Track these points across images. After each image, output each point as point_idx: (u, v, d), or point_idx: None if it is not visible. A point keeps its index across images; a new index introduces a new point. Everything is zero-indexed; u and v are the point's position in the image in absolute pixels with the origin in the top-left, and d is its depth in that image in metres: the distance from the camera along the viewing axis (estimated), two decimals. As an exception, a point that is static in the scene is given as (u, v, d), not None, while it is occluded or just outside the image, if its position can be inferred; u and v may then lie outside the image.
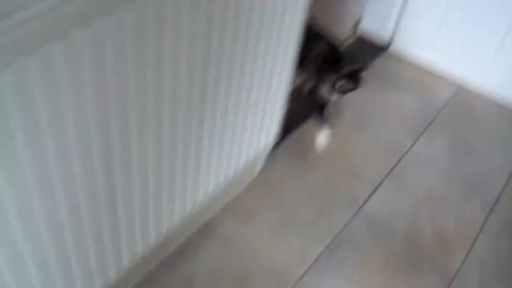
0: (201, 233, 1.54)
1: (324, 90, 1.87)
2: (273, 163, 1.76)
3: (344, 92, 1.86)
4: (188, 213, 1.38)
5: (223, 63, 1.17)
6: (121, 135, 1.00)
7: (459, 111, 2.13)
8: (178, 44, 1.01)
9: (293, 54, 1.47)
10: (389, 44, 2.38)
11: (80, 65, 0.82)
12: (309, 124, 1.91)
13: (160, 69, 1.00)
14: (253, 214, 1.62)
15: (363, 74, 1.83)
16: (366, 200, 1.72)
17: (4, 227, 0.85)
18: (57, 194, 0.92)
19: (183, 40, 1.02)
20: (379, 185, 1.78)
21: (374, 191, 1.75)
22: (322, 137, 1.88)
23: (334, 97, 1.88)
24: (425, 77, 2.28)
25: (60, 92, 0.82)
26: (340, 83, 1.83)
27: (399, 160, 1.88)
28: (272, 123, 1.58)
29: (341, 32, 2.22)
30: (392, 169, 1.84)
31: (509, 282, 1.55)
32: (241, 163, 1.50)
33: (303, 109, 1.91)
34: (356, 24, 2.35)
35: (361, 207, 1.70)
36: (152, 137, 1.10)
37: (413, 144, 1.96)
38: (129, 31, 0.88)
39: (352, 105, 2.00)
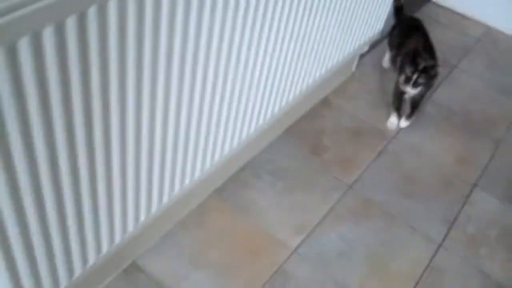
0: (321, 105, 2.18)
1: (401, 80, 2.03)
2: (361, 67, 2.40)
3: (416, 85, 1.99)
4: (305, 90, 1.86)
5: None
6: None
7: (489, 45, 2.82)
8: None
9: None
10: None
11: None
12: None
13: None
14: (355, 96, 2.27)
15: (438, 71, 2.00)
16: (434, 91, 2.38)
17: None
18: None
19: None
20: (437, 87, 2.43)
21: (436, 88, 2.41)
22: (391, 120, 2.14)
23: (408, 89, 2.02)
24: (460, 20, 2.96)
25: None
26: (414, 77, 1.96)
27: (449, 73, 2.54)
28: (378, 19, 2.11)
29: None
30: (445, 77, 2.50)
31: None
32: (351, 50, 2.01)
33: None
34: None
35: (432, 97, 2.34)
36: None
37: (458, 63, 2.64)
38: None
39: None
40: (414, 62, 1.98)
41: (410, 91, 2.04)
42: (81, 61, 0.84)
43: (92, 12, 0.80)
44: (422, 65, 1.97)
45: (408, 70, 1.98)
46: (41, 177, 0.91)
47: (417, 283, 1.64)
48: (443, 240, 1.79)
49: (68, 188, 0.99)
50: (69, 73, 0.83)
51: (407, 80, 1.99)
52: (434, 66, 1.99)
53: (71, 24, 0.77)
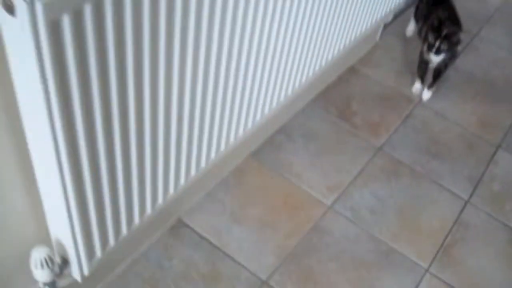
0: (348, 73, 2.26)
1: (424, 48, 2.10)
2: (385, 36, 2.48)
3: (439, 52, 2.05)
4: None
5: None
6: None
7: (509, 13, 2.88)
8: None
9: None
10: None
11: None
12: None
13: None
14: (381, 64, 2.35)
15: (460, 38, 2.05)
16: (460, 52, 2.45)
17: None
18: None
19: None
20: (459, 54, 2.50)
21: (459, 56, 2.47)
22: (416, 87, 2.23)
23: (431, 56, 2.08)
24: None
25: None
26: (436, 43, 2.02)
27: (471, 40, 2.61)
28: None
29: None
30: (466, 45, 2.56)
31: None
32: (375, 19, 2.06)
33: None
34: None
35: (455, 64, 2.41)
36: None
37: (479, 32, 2.70)
38: None
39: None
40: (437, 29, 2.05)
41: (434, 58, 2.11)
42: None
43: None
44: (444, 31, 2.04)
45: (431, 37, 2.05)
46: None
47: (446, 237, 1.74)
48: (470, 197, 1.88)
49: (119, 149, 1.06)
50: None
51: (430, 47, 2.06)
52: (456, 33, 2.06)
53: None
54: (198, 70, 1.15)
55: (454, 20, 2.14)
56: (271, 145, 1.88)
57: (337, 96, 2.13)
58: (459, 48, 2.13)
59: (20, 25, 0.74)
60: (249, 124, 1.53)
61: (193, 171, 1.38)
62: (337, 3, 1.63)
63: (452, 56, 2.14)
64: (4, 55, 0.83)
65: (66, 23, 0.76)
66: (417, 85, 2.22)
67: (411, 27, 2.47)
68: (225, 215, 1.66)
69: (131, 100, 0.98)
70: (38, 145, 0.94)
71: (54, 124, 0.85)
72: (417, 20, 2.37)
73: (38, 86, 0.80)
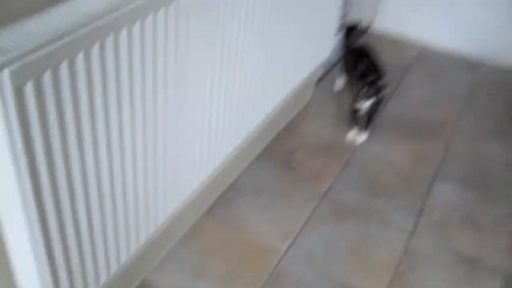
0: (288, 128, 2.43)
1: (353, 97, 2.30)
2: (318, 92, 2.66)
3: (367, 97, 2.24)
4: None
5: None
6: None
7: (426, 60, 3.13)
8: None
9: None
10: (368, 27, 3.35)
11: None
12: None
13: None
14: (317, 117, 2.52)
15: (383, 83, 2.25)
16: (385, 105, 2.64)
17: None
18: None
19: None
20: (387, 101, 2.70)
21: (386, 103, 2.68)
22: (351, 134, 2.38)
23: (361, 104, 2.27)
24: (397, 43, 3.27)
25: None
26: (362, 91, 2.22)
27: (396, 88, 2.82)
28: (327, 44, 2.39)
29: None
30: (392, 92, 2.77)
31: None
32: (303, 77, 2.26)
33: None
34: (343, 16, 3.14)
35: (384, 110, 2.61)
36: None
37: (402, 79, 2.93)
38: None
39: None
40: (362, 77, 2.26)
41: (363, 104, 2.29)
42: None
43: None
44: (369, 78, 2.24)
45: (358, 85, 2.25)
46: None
47: (397, 266, 1.85)
48: (415, 227, 2.01)
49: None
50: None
51: (357, 94, 2.25)
52: (379, 79, 2.26)
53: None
54: (145, 136, 1.26)
55: (377, 68, 2.33)
56: (224, 202, 1.98)
57: (280, 150, 2.26)
58: (385, 92, 2.30)
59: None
60: (194, 186, 1.66)
61: (142, 238, 1.46)
62: (263, 70, 1.78)
63: (378, 101, 2.30)
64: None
65: (29, 89, 0.86)
66: (352, 132, 2.37)
67: (339, 82, 2.66)
68: (187, 272, 1.73)
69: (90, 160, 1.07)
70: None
71: (24, 184, 0.93)
72: (346, 71, 2.57)
73: (6, 149, 0.88)
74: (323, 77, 2.74)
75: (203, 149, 1.62)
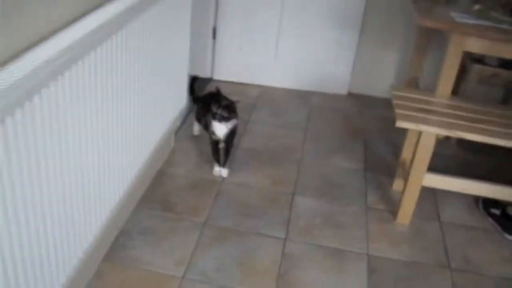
0: (158, 175, 2.69)
1: (211, 128, 2.58)
2: (179, 139, 2.97)
3: (224, 119, 2.49)
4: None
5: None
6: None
7: (267, 99, 3.56)
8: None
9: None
10: (211, 76, 3.74)
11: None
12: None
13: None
14: (182, 161, 2.82)
15: (235, 106, 2.53)
16: (239, 141, 3.00)
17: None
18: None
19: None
20: (240, 138, 3.07)
21: (240, 139, 3.04)
22: (216, 169, 2.69)
23: (217, 128, 2.54)
24: (240, 87, 3.69)
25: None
26: (219, 111, 2.48)
27: (245, 126, 3.21)
28: (182, 95, 2.70)
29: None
30: (243, 129, 3.15)
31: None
32: (164, 130, 2.55)
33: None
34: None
35: (239, 145, 2.96)
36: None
37: (249, 118, 3.32)
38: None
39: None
40: (217, 102, 2.55)
41: (219, 129, 2.57)
42: None
43: None
44: (224, 101, 2.54)
45: (214, 107, 2.50)
46: None
47: (279, 270, 2.16)
48: (286, 235, 2.34)
49: None
50: None
51: (214, 116, 2.50)
52: (232, 103, 2.56)
53: None
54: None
55: (227, 98, 2.64)
56: (117, 246, 2.18)
57: (156, 195, 2.51)
58: (237, 122, 2.63)
59: None
60: (91, 237, 1.83)
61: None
62: (137, 122, 2.04)
63: (232, 133, 2.63)
64: None
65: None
66: (216, 168, 2.69)
67: (196, 127, 2.97)
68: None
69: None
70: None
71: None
72: (199, 120, 2.87)
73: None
74: (180, 126, 3.04)
75: (91, 202, 1.79)
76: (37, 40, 1.45)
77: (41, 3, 1.46)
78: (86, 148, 1.66)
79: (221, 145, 2.64)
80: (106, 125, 1.78)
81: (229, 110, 2.54)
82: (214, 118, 2.54)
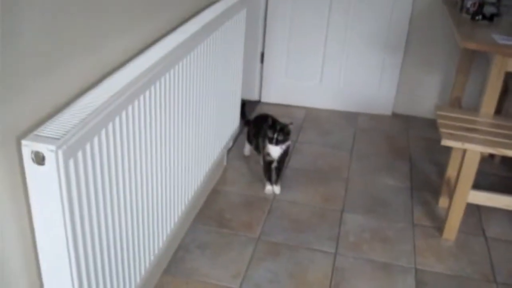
0: (212, 194, 2.84)
1: (265, 151, 2.72)
2: (231, 159, 3.12)
3: (279, 142, 2.63)
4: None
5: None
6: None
7: (312, 120, 3.69)
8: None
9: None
10: (259, 99, 3.89)
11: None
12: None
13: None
14: (235, 180, 2.96)
15: (290, 129, 2.66)
16: (288, 161, 3.14)
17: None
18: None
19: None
20: (290, 158, 3.21)
21: (289, 159, 3.18)
22: (268, 188, 2.82)
23: (272, 149, 2.67)
24: (286, 108, 3.83)
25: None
26: (275, 135, 2.61)
27: (293, 146, 3.34)
28: (235, 117, 2.85)
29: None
30: (292, 150, 3.28)
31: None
32: (220, 149, 2.70)
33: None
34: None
35: (289, 165, 3.10)
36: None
37: (297, 139, 3.46)
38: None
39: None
40: (272, 126, 2.67)
41: (274, 151, 2.70)
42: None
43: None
44: (278, 126, 2.67)
45: (270, 132, 2.63)
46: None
47: (330, 281, 2.27)
48: (336, 250, 2.46)
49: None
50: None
51: (271, 140, 2.64)
52: (287, 125, 2.68)
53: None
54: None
55: (279, 121, 2.76)
56: (176, 260, 2.33)
57: (211, 212, 2.66)
58: (290, 143, 2.77)
59: (48, 170, 1.19)
60: (154, 252, 1.96)
61: None
62: (197, 145, 2.19)
63: (285, 153, 2.76)
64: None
65: (72, 163, 1.23)
66: (268, 186, 2.82)
67: (247, 148, 3.12)
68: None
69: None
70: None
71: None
72: (250, 141, 3.02)
73: (59, 208, 1.23)
74: (231, 147, 3.19)
75: (158, 219, 1.94)
76: (112, 70, 1.62)
77: (119, 32, 1.63)
78: (156, 169, 1.81)
79: (274, 165, 2.76)
80: (171, 147, 1.93)
81: (284, 133, 2.67)
82: (270, 142, 2.67)
